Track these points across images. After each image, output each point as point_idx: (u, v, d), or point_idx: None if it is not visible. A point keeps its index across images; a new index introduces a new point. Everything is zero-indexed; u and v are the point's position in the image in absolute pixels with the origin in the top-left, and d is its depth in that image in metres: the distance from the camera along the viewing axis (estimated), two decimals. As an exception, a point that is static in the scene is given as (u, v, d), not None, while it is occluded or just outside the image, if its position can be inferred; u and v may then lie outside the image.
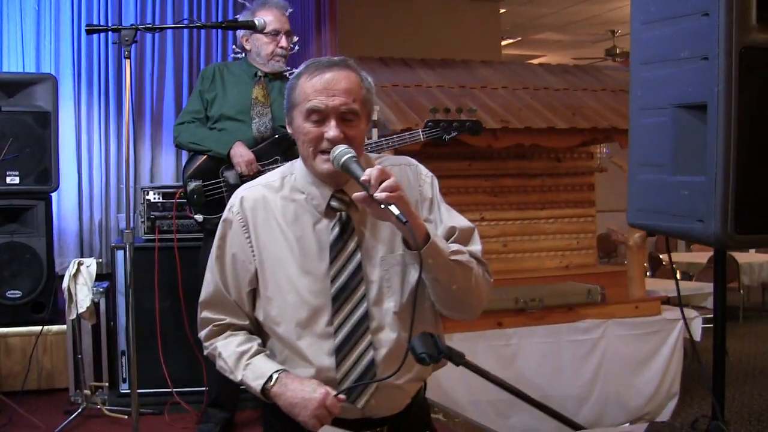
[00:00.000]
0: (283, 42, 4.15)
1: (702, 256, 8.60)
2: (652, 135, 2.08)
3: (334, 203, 2.13)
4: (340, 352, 2.08)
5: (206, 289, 2.25)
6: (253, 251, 2.16)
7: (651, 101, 2.08)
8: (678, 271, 7.98)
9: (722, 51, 1.83)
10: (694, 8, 1.91)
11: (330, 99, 2.04)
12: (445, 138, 4.05)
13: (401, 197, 1.90)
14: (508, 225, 5.60)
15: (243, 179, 3.90)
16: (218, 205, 3.94)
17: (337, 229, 2.12)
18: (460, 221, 2.20)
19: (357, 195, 1.94)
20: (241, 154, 3.99)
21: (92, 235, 6.21)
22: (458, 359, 1.65)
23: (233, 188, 3.91)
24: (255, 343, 2.17)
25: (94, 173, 6.19)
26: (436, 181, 2.27)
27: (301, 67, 2.13)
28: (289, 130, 2.18)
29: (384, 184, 1.88)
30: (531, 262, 5.66)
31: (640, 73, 2.12)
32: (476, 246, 2.18)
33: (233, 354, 2.15)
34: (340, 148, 2.01)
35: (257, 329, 2.23)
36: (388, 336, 2.11)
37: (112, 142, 6.18)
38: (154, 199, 4.64)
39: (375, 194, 1.88)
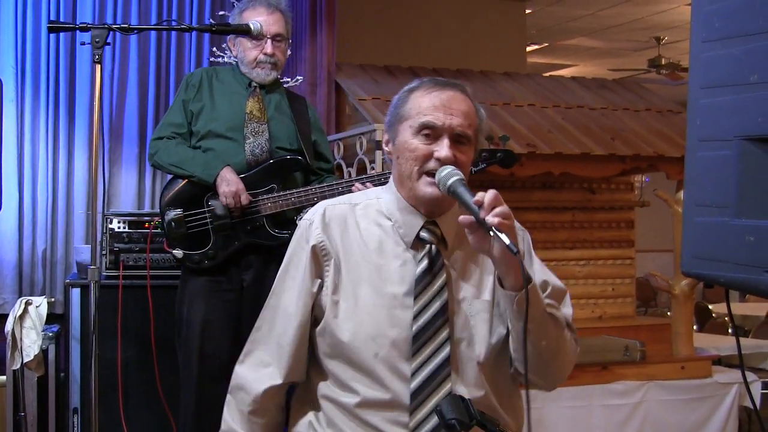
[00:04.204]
0: (268, 48, 4.05)
1: (760, 308, 8.61)
2: (712, 171, 2.11)
3: (424, 234, 2.28)
4: (416, 397, 2.19)
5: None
6: (327, 272, 2.29)
7: (712, 132, 2.11)
8: (731, 326, 8.00)
9: (799, 75, 1.89)
10: None
11: (447, 117, 2.22)
12: (472, 171, 4.07)
13: (513, 228, 2.04)
14: (532, 267, 5.62)
15: (232, 210, 3.92)
16: (201, 238, 3.92)
17: (425, 263, 2.25)
18: (554, 279, 2.36)
19: (464, 218, 2.06)
20: (228, 180, 3.86)
21: (34, 268, 6.15)
22: (493, 427, 1.72)
23: (220, 219, 3.91)
24: None
25: (38, 194, 6.10)
26: (528, 236, 2.45)
27: (414, 83, 2.32)
28: (385, 149, 2.35)
29: (497, 209, 2.01)
30: (558, 311, 5.68)
31: (699, 99, 2.15)
32: (568, 309, 2.33)
33: None
34: (449, 169, 2.16)
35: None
36: (468, 389, 2.22)
37: (61, 156, 6.14)
38: (119, 228, 4.60)
39: (487, 218, 1.99)
